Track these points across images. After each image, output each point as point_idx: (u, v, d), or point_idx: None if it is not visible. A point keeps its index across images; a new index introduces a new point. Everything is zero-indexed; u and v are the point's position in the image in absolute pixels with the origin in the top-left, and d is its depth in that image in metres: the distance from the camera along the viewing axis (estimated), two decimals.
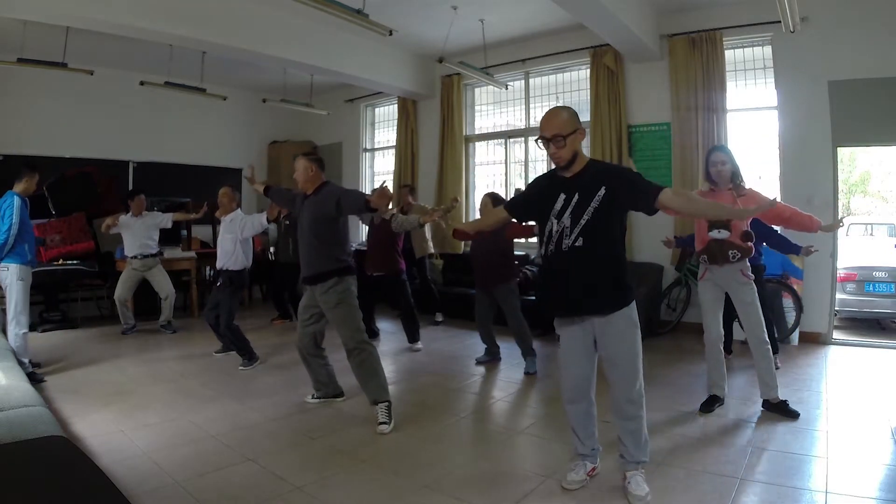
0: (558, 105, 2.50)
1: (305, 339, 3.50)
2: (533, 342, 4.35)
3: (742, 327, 3.31)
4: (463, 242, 7.03)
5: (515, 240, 4.42)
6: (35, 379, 3.80)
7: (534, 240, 5.33)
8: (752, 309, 3.21)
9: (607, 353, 2.28)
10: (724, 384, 3.35)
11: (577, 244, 2.16)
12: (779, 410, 3.20)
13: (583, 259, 2.17)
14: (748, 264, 3.23)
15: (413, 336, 5.18)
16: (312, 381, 3.61)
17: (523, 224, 4.20)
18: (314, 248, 3.32)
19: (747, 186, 3.22)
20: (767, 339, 3.24)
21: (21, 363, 3.79)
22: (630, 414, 2.29)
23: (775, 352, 3.85)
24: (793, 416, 3.15)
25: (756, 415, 3.23)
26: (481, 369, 4.41)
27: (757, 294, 3.23)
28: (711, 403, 3.32)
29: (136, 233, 5.64)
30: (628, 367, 2.26)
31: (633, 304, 2.26)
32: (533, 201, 2.39)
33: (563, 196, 2.22)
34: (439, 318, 6.40)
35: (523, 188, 4.81)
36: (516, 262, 4.85)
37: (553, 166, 2.32)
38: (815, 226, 3.23)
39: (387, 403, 3.20)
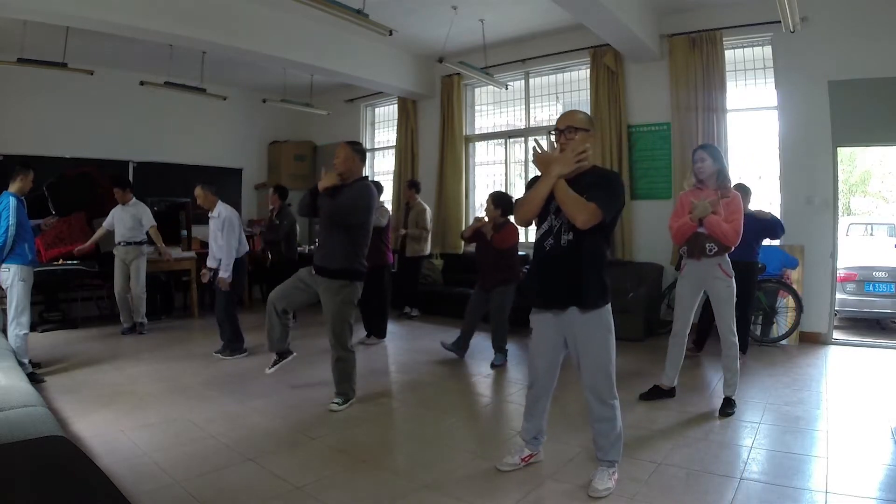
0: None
1: (283, 301, 3.46)
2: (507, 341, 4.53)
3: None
4: (464, 244, 7.05)
5: (517, 242, 4.48)
6: (35, 379, 3.79)
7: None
8: (726, 307, 3.25)
9: (578, 352, 2.34)
10: (674, 378, 3.46)
11: (570, 238, 2.28)
12: (725, 405, 3.27)
13: (573, 254, 2.28)
14: (728, 260, 3.26)
15: (379, 331, 5.25)
16: (268, 338, 3.58)
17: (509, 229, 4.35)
18: (333, 240, 3.33)
19: (734, 191, 3.27)
20: (735, 339, 3.28)
21: (21, 363, 3.77)
22: (600, 415, 2.35)
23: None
24: (727, 413, 3.21)
25: (757, 415, 3.23)
26: (482, 370, 4.41)
27: (734, 292, 3.26)
28: (653, 394, 3.44)
29: (123, 221, 5.63)
30: (599, 368, 2.31)
31: (609, 307, 2.34)
32: None
33: None
34: (414, 312, 6.55)
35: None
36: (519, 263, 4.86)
37: None
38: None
39: (347, 397, 3.48)
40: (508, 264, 4.40)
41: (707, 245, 3.20)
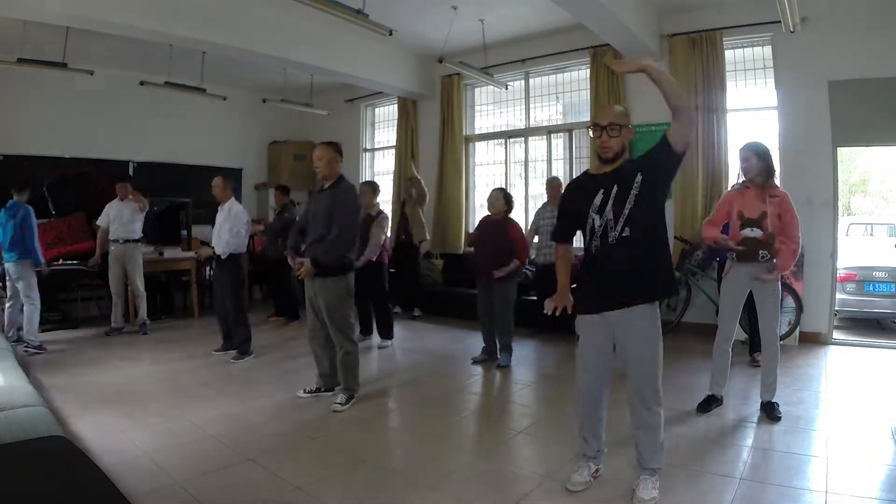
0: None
1: (315, 332, 3.59)
2: (512, 340, 4.49)
3: (759, 323, 3.26)
4: (464, 243, 7.04)
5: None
6: (29, 352, 4.61)
7: (536, 240, 5.35)
8: (772, 306, 3.17)
9: (627, 350, 2.24)
10: (724, 385, 3.36)
11: (624, 234, 2.17)
12: (765, 410, 3.20)
13: (631, 248, 2.17)
14: (774, 263, 3.20)
15: (385, 332, 5.16)
16: (317, 372, 3.70)
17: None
18: (322, 240, 3.39)
19: (781, 190, 3.24)
20: (778, 340, 3.20)
21: (28, 342, 4.72)
22: (646, 422, 2.26)
23: (758, 350, 3.84)
24: (774, 418, 3.12)
25: (756, 415, 3.23)
26: (480, 369, 4.40)
27: (779, 294, 3.21)
28: (709, 403, 3.33)
29: (121, 215, 5.61)
30: (648, 373, 2.22)
31: (657, 304, 2.24)
32: (571, 209, 2.35)
33: (601, 191, 2.22)
34: (416, 312, 6.40)
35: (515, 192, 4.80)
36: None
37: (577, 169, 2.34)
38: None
39: (352, 393, 3.52)
40: (509, 257, 4.37)
41: (761, 252, 3.12)
